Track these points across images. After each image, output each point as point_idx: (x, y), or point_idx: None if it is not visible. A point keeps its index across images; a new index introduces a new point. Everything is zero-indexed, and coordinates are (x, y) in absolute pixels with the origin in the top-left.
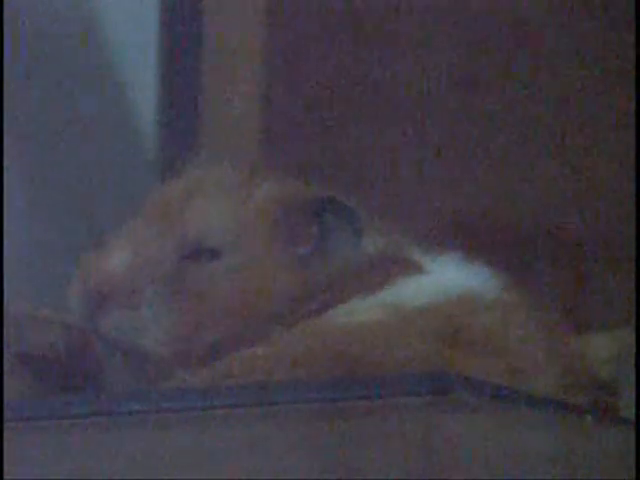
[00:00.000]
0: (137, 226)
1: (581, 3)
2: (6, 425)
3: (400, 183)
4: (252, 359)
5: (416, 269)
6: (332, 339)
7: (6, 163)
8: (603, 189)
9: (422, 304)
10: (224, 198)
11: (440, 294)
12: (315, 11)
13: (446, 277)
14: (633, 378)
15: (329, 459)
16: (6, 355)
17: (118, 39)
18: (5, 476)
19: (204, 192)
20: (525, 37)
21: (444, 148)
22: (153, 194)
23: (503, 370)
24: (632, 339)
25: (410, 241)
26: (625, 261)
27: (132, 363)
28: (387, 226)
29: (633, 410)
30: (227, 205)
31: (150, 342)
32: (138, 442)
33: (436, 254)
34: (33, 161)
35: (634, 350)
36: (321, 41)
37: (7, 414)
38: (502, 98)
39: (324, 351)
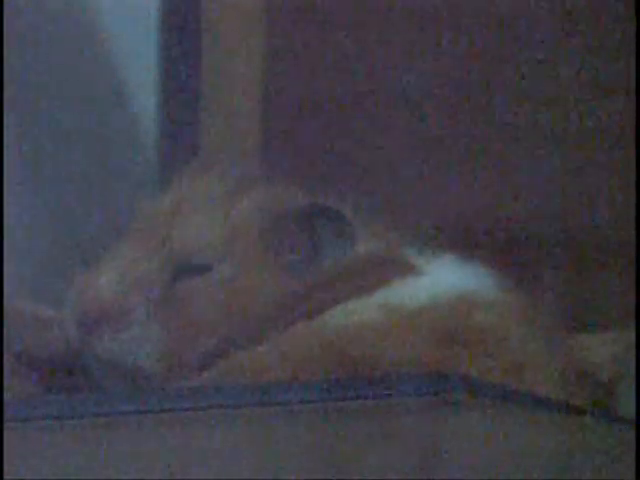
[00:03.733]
0: (125, 246)
1: (581, 3)
2: (6, 425)
3: (399, 184)
4: (252, 359)
5: (412, 270)
6: (330, 339)
7: (6, 163)
8: (603, 189)
9: (419, 305)
10: (210, 211)
11: (437, 295)
12: (315, 11)
13: (443, 278)
14: (633, 378)
15: (329, 459)
16: (6, 355)
17: (118, 39)
18: (5, 476)
19: (189, 208)
20: (525, 37)
21: (444, 148)
22: (140, 212)
23: (500, 370)
24: (632, 339)
25: (406, 242)
26: (625, 261)
27: (124, 380)
28: (383, 228)
29: (633, 410)
30: (213, 218)
31: (144, 361)
32: (138, 442)
33: (433, 255)
34: (33, 161)
35: (634, 350)
36: (321, 41)
37: (7, 414)
38: (502, 98)
39: (322, 351)
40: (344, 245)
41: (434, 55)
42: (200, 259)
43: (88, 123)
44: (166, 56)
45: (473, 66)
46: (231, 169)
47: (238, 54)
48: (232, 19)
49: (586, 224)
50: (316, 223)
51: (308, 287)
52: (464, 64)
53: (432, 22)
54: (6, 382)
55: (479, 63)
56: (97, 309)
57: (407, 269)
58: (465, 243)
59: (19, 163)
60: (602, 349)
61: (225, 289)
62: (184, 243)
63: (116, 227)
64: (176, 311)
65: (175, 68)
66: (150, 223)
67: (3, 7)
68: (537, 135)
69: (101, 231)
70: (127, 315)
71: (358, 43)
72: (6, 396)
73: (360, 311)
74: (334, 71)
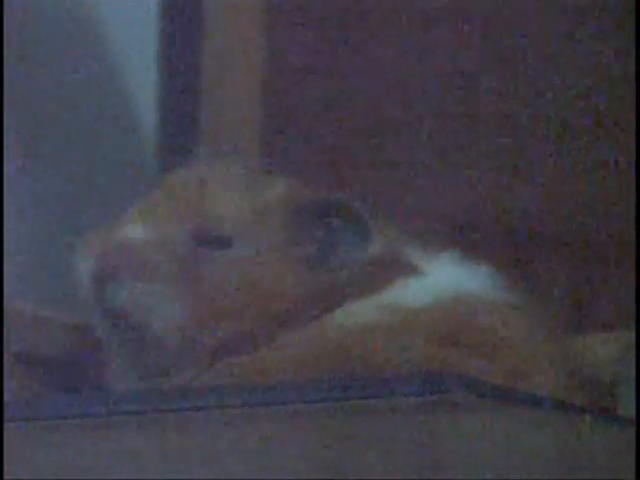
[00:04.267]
0: (152, 205)
1: (581, 5)
2: (6, 425)
3: (400, 183)
4: (253, 360)
5: (414, 270)
6: (332, 340)
7: (6, 163)
8: (603, 189)
9: (421, 305)
10: (239, 191)
11: (437, 295)
12: (315, 11)
13: (444, 277)
14: (633, 378)
15: (329, 459)
16: (6, 355)
17: (118, 39)
18: (5, 476)
19: (220, 182)
20: (525, 38)
21: (444, 148)
22: (167, 178)
23: (501, 371)
24: (632, 339)
25: (408, 241)
26: (625, 261)
27: (135, 347)
28: (385, 226)
29: (633, 410)
30: (241, 198)
31: (160, 324)
32: (138, 442)
33: (434, 254)
34: (33, 160)
35: (634, 350)
36: (321, 41)
37: (7, 414)
38: (502, 99)
39: (324, 352)
40: (360, 245)
41: (434, 54)
42: (224, 233)
43: (88, 122)
44: (166, 55)
45: (475, 65)
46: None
47: (238, 54)
48: (232, 19)
49: (586, 224)
50: (336, 220)
51: (317, 286)
52: (465, 64)
53: (432, 22)
54: (6, 382)
55: (480, 63)
56: (122, 254)
57: (409, 269)
58: (466, 243)
59: (19, 163)
60: (602, 349)
61: (242, 268)
62: (211, 213)
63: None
64: (196, 281)
65: (175, 68)
66: (179, 189)
67: (3, 7)
68: (537, 135)
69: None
70: (152, 268)
71: (358, 43)
72: (6, 396)
73: (361, 312)
74: (334, 71)
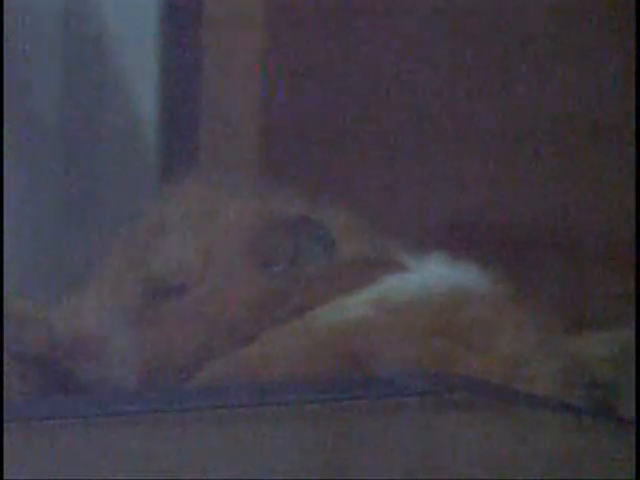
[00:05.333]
0: (103, 272)
1: (581, 3)
2: (6, 425)
3: (397, 184)
4: (247, 358)
5: (403, 268)
6: (323, 335)
7: (6, 165)
8: (603, 189)
9: (409, 300)
10: (187, 231)
11: (428, 289)
12: (315, 11)
13: (432, 274)
14: (633, 378)
15: (329, 459)
16: (6, 355)
17: (118, 39)
18: (5, 476)
19: (166, 229)
20: (525, 36)
21: (443, 148)
22: (118, 236)
23: (493, 364)
24: (632, 339)
25: (396, 243)
26: (625, 261)
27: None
28: (376, 230)
29: (633, 410)
30: (190, 238)
31: (125, 382)
32: (138, 442)
33: (423, 254)
34: (33, 161)
35: (634, 350)
36: (321, 41)
37: (7, 414)
38: (500, 98)
39: (316, 348)
40: (325, 255)
41: (434, 55)
42: (176, 281)
43: (88, 123)
44: (166, 56)
45: (470, 67)
46: (226, 174)
47: (238, 54)
48: (232, 19)
49: (586, 224)
50: (296, 235)
51: (289, 287)
52: (462, 66)
53: (431, 23)
54: (6, 382)
55: (476, 64)
56: (76, 340)
57: (398, 267)
58: (464, 242)
59: (19, 165)
60: (602, 349)
61: (201, 307)
62: (159, 267)
63: (115, 229)
64: (153, 333)
65: (175, 69)
66: (127, 249)
67: (3, 7)
68: (537, 134)
69: (100, 233)
70: (104, 343)
71: (358, 44)
72: (6, 396)
73: (353, 307)
74: (334, 70)
